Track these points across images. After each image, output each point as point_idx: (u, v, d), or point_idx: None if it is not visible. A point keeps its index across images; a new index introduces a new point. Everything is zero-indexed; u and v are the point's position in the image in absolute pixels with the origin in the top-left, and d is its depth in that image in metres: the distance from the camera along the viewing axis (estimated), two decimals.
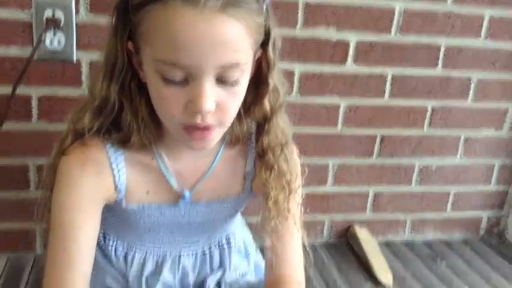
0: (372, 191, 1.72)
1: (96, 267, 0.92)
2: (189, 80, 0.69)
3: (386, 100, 1.60)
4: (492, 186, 1.83)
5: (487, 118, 1.72)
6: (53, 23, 1.27)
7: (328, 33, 1.49)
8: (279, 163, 0.86)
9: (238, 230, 1.05)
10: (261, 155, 0.87)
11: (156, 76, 0.70)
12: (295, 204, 0.89)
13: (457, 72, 1.63)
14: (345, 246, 1.73)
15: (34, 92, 1.35)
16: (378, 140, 1.65)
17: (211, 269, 0.97)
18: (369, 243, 1.67)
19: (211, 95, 0.69)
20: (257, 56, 0.77)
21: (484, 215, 1.87)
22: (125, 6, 0.72)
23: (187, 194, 0.86)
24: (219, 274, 0.97)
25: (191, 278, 0.95)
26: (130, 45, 0.75)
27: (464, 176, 1.78)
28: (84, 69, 1.35)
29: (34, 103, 1.36)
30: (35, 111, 1.37)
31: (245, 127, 0.87)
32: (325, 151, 1.62)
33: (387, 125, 1.64)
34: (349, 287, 1.49)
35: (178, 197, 0.87)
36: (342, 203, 1.71)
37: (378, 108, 1.61)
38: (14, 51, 1.30)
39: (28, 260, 1.49)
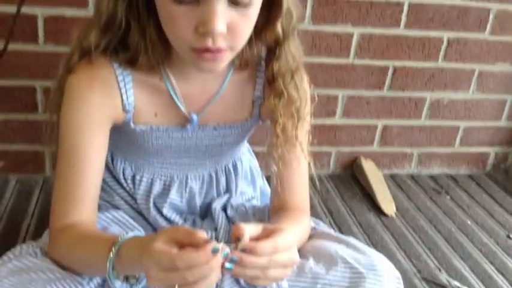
0: (380, 124, 1.71)
1: (105, 188, 0.94)
2: (200, 0, 0.66)
3: (401, 30, 1.56)
4: (502, 122, 1.81)
5: (503, 52, 1.67)
6: None
7: None
8: (288, 90, 0.84)
9: (245, 156, 1.05)
10: (271, 80, 0.85)
11: None
12: (303, 132, 0.87)
13: (475, 3, 1.57)
14: (350, 178, 1.74)
15: (40, 12, 1.32)
16: (390, 72, 1.62)
17: (218, 193, 0.98)
18: (374, 175, 1.68)
19: (222, 16, 0.67)
20: None
21: (492, 150, 1.86)
22: None
23: (194, 117, 0.86)
24: (225, 198, 0.98)
25: (198, 200, 0.96)
26: None
27: (475, 111, 1.76)
28: None
29: (40, 23, 1.34)
30: (41, 33, 1.35)
31: (255, 51, 0.85)
32: (336, 82, 1.59)
33: (401, 56, 1.60)
34: (353, 217, 1.51)
35: (186, 120, 0.86)
36: (349, 135, 1.71)
37: (392, 38, 1.56)
38: None
39: (37, 181, 1.51)
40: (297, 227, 0.84)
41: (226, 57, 0.73)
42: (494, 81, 1.72)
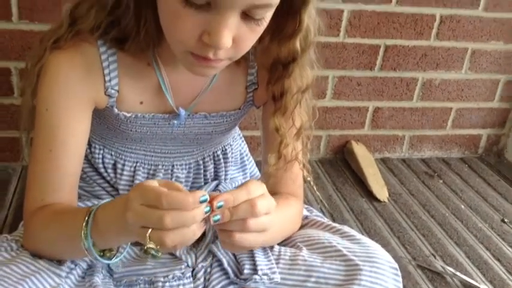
0: (371, 106, 1.66)
1: (83, 177, 0.87)
2: (212, 6, 0.60)
3: (393, 6, 1.50)
4: (495, 103, 1.77)
5: (496, 29, 1.63)
6: None
7: None
8: (297, 110, 0.79)
9: (236, 141, 0.99)
10: (277, 97, 0.79)
11: None
12: (300, 145, 0.85)
13: None
14: (340, 162, 1.69)
15: None
16: (381, 51, 1.56)
17: (205, 180, 0.92)
18: (366, 159, 1.63)
19: (232, 30, 0.61)
20: None
21: (484, 133, 1.83)
22: None
23: (182, 112, 0.80)
24: (213, 184, 0.92)
25: None
26: None
27: (468, 92, 1.72)
28: None
29: None
30: (14, 9, 1.26)
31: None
32: (325, 62, 1.53)
33: (392, 34, 1.54)
34: (344, 203, 1.47)
35: (173, 111, 0.80)
36: (340, 118, 1.66)
37: (383, 14, 1.51)
38: None
39: (15, 170, 1.44)
40: (286, 208, 0.80)
41: (223, 65, 0.69)
42: (487, 60, 1.67)
